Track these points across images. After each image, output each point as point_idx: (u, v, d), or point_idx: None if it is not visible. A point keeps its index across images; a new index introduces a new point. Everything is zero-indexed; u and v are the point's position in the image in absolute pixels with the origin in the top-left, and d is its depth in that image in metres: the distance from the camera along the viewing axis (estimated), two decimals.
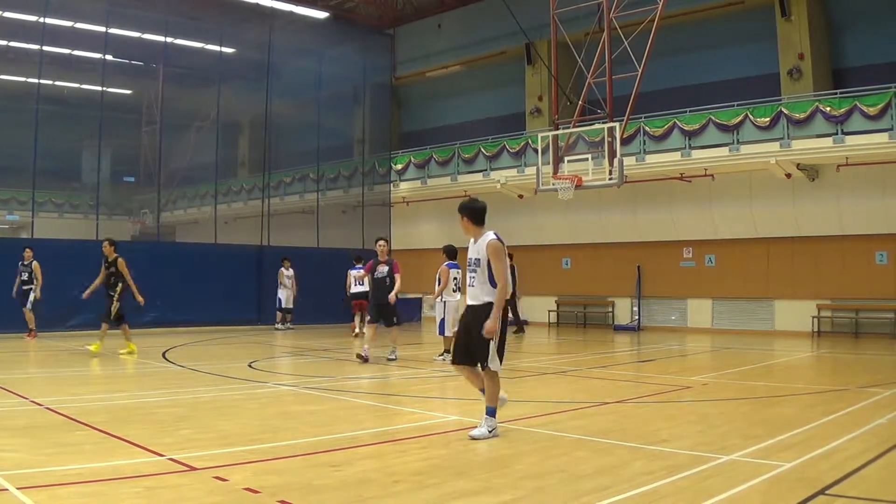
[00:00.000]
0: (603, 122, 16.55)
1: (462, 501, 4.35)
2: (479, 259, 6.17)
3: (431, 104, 28.77)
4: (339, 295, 18.09)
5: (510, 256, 21.97)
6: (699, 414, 7.52)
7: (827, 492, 4.44)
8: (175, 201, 28.18)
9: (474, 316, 6.09)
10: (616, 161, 15.96)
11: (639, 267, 21.63)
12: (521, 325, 19.65)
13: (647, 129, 19.55)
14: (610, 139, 16.07)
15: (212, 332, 18.70)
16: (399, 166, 25.55)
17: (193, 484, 4.62)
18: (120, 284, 12.29)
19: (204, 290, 19.61)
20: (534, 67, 24.17)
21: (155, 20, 21.24)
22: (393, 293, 11.92)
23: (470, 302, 6.24)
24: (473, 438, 5.95)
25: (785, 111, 17.54)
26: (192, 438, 6.02)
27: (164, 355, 12.82)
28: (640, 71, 15.85)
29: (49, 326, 16.37)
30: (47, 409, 7.19)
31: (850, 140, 16.65)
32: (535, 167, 18.12)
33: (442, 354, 12.04)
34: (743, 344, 16.49)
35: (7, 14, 20.57)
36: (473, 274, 6.20)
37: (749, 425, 6.78)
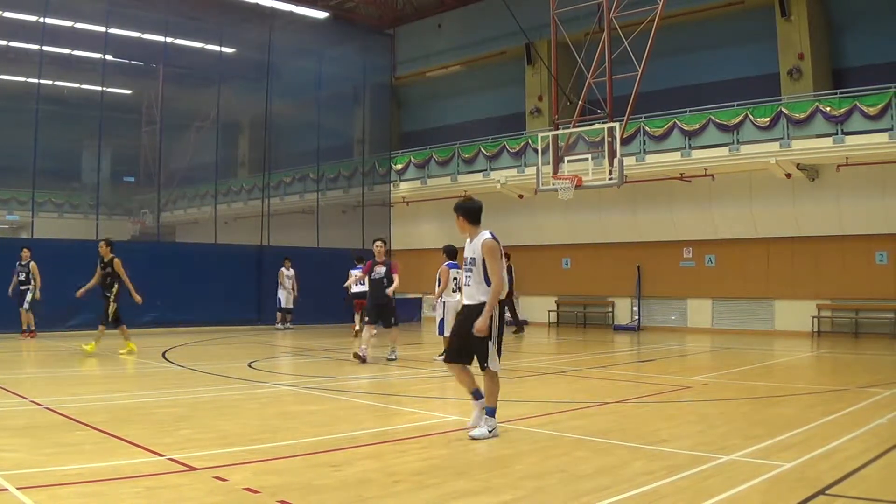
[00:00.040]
0: (603, 122, 16.55)
1: (462, 501, 4.34)
2: (474, 258, 6.18)
3: (431, 104, 28.78)
4: (339, 295, 18.10)
5: (507, 256, 21.96)
6: (699, 414, 7.52)
7: (827, 492, 4.44)
8: (175, 201, 28.18)
9: (470, 315, 6.08)
10: (616, 161, 15.96)
11: (639, 267, 21.63)
12: (520, 325, 19.64)
13: (647, 129, 19.55)
14: (610, 139, 16.07)
15: (212, 332, 18.70)
16: (399, 166, 25.55)
17: (193, 484, 4.62)
18: (116, 285, 12.26)
19: (204, 290, 19.61)
20: (534, 67, 24.17)
21: (155, 20, 21.24)
22: (391, 289, 11.91)
23: (466, 301, 6.24)
24: (473, 438, 5.96)
25: (785, 111, 17.54)
26: (192, 438, 6.02)
27: (164, 355, 12.82)
28: (640, 71, 15.85)
29: (49, 326, 16.38)
30: (47, 409, 7.19)
31: (850, 140, 16.65)
32: (535, 167, 18.12)
33: (442, 354, 12.02)
34: (743, 344, 16.49)
35: (7, 14, 20.57)
36: (469, 273, 6.21)
37: (749, 425, 6.77)
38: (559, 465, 5.19)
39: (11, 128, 20.52)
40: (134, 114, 25.99)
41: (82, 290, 12.52)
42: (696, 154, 18.86)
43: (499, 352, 6.12)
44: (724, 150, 18.41)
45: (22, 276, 15.53)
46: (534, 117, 24.20)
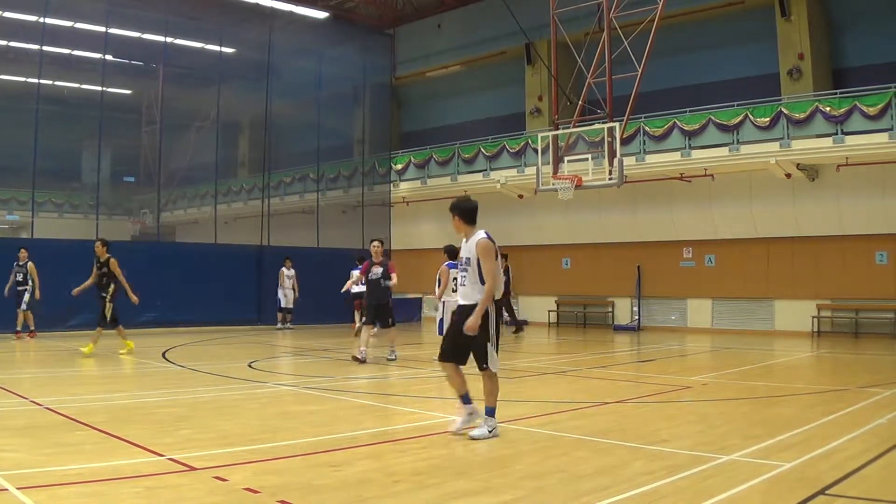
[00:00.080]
0: (603, 122, 16.55)
1: (462, 501, 4.35)
2: (469, 258, 6.18)
3: (431, 104, 28.78)
4: (339, 295, 18.10)
5: (504, 257, 21.92)
6: (699, 414, 7.52)
7: (827, 492, 4.44)
8: (175, 201, 28.18)
9: (466, 315, 6.06)
10: (616, 161, 15.96)
11: (639, 267, 21.63)
12: (519, 325, 19.65)
13: (646, 129, 19.55)
14: (610, 139, 16.06)
15: (212, 332, 18.70)
16: (399, 166, 25.55)
17: (193, 484, 4.62)
18: (112, 285, 12.24)
19: (204, 290, 19.62)
20: (534, 67, 24.17)
21: (155, 20, 21.24)
22: (391, 281, 11.92)
23: (461, 301, 6.23)
24: (473, 439, 5.95)
25: (785, 111, 17.54)
26: (192, 438, 6.02)
27: (164, 355, 12.82)
28: (640, 71, 15.84)
29: (49, 326, 16.37)
30: (47, 409, 7.19)
31: (850, 140, 16.65)
32: (535, 167, 18.12)
33: None
34: (743, 344, 16.49)
35: (7, 14, 20.57)
36: (465, 273, 6.20)
37: (749, 425, 6.78)
38: (559, 465, 5.19)
39: (11, 128, 20.51)
40: (134, 114, 25.98)
41: (79, 288, 12.53)
42: (696, 154, 18.86)
43: (495, 351, 6.13)
44: (724, 150, 18.41)
45: (19, 277, 15.45)
46: (534, 117, 24.20)
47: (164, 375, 10.46)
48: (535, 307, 23.64)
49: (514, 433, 6.30)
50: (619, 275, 21.89)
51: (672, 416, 7.41)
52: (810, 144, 17.19)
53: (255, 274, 21.32)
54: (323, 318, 21.08)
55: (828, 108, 16.94)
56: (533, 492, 4.54)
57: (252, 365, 11.60)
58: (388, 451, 5.69)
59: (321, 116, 24.90)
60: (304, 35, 23.91)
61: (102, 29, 19.97)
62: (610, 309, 22.45)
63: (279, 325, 20.54)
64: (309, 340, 16.99)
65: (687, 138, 18.98)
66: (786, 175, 18.18)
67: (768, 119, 17.67)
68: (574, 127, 17.17)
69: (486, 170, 22.95)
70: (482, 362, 6.08)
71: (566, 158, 16.99)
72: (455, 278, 11.98)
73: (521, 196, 22.79)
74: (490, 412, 6.13)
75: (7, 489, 4.32)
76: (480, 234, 6.21)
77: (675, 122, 19.18)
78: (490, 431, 6.04)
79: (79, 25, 20.73)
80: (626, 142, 18.02)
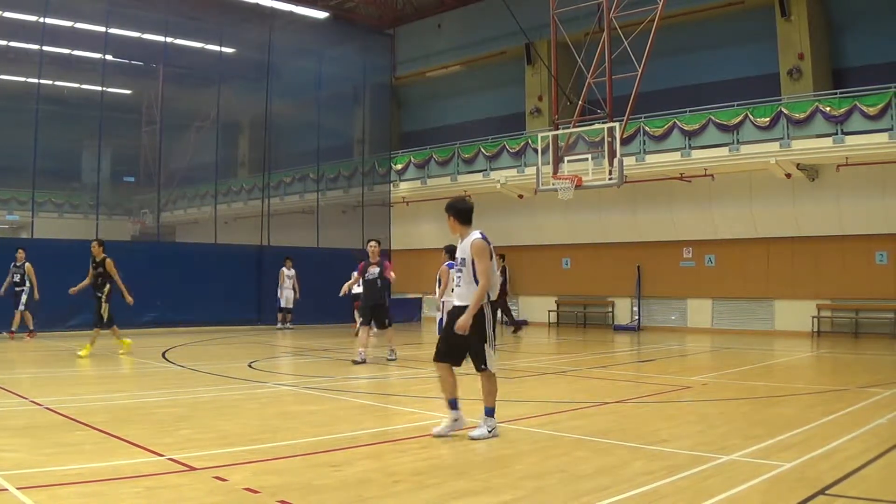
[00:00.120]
0: (603, 122, 16.55)
1: (462, 501, 4.35)
2: (464, 259, 6.18)
3: (431, 104, 28.78)
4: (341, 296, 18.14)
5: (502, 257, 21.91)
6: (699, 414, 7.52)
7: (827, 492, 4.44)
8: (175, 201, 28.18)
9: (460, 316, 6.06)
10: (616, 161, 15.96)
11: (639, 267, 21.63)
12: (517, 326, 19.73)
13: (646, 129, 19.55)
14: (610, 139, 16.06)
15: (212, 332, 18.70)
16: (399, 166, 25.56)
17: (193, 484, 4.62)
18: (108, 285, 12.24)
19: (204, 290, 19.62)
20: (534, 67, 24.17)
21: (155, 20, 21.24)
22: (389, 273, 11.90)
23: (456, 302, 6.21)
24: (473, 439, 5.96)
25: (785, 111, 17.53)
26: (192, 438, 6.02)
27: (164, 355, 12.82)
28: (640, 71, 15.84)
29: (48, 326, 16.37)
30: (47, 409, 7.19)
31: (850, 140, 16.65)
32: (535, 167, 18.12)
33: None
34: (743, 344, 16.49)
35: (7, 14, 20.56)
36: (460, 274, 6.20)
37: (749, 425, 6.78)
38: (559, 465, 5.19)
39: (11, 128, 20.51)
40: (134, 114, 25.98)
41: (75, 288, 12.54)
42: (696, 154, 18.86)
43: (494, 352, 6.12)
44: (724, 150, 18.41)
45: (16, 278, 15.39)
46: (534, 117, 24.20)
47: (164, 375, 10.46)
48: (535, 307, 23.64)
49: (514, 433, 6.30)
50: (619, 275, 21.89)
51: (672, 416, 7.41)
52: (810, 144, 17.19)
53: (255, 274, 21.32)
54: (323, 318, 21.08)
55: (828, 108, 16.94)
56: (533, 492, 4.54)
57: (252, 365, 11.60)
58: (388, 451, 5.69)
59: (321, 116, 24.90)
60: (304, 35, 23.91)
61: (102, 29, 19.97)
62: (610, 309, 22.45)
63: (279, 325, 20.55)
64: (309, 340, 16.99)
65: (687, 138, 18.98)
66: (786, 175, 18.18)
67: (768, 119, 17.67)
68: (574, 127, 17.17)
69: (486, 170, 22.95)
70: (480, 363, 6.08)
71: (566, 158, 17.00)
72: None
73: (521, 196, 22.79)
74: (489, 412, 6.13)
75: (7, 489, 4.32)
76: (475, 234, 6.21)
77: (675, 122, 19.18)
78: (490, 431, 6.04)
79: (79, 25, 20.72)
80: (626, 142, 18.02)
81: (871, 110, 16.34)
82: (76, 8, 20.14)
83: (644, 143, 19.60)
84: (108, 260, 12.27)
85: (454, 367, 6.23)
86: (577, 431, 6.38)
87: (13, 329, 15.41)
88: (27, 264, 15.45)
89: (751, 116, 17.95)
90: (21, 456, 5.23)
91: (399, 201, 25.64)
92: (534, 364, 12.52)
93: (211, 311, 19.62)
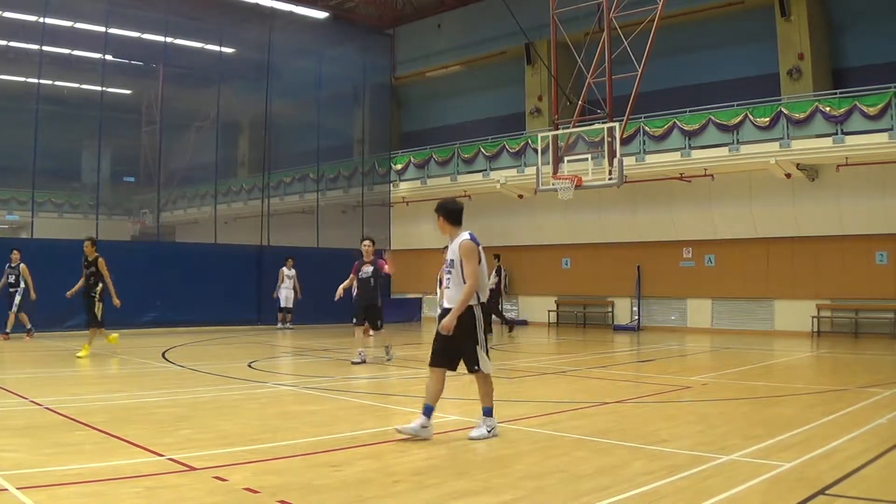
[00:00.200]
0: (603, 122, 16.55)
1: (462, 501, 4.35)
2: (453, 260, 6.15)
3: (431, 104, 28.78)
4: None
5: (497, 257, 21.80)
6: (699, 414, 7.52)
7: (827, 492, 4.44)
8: (175, 201, 28.19)
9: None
10: (616, 161, 15.96)
11: (638, 267, 21.63)
12: (510, 325, 19.83)
13: (646, 129, 19.55)
14: (610, 139, 16.06)
15: (212, 332, 18.70)
16: (399, 166, 25.56)
17: (193, 484, 4.62)
18: (100, 284, 12.22)
19: (204, 290, 19.62)
20: (534, 67, 24.17)
21: (155, 20, 21.24)
22: (388, 268, 11.87)
23: (446, 304, 6.17)
24: (472, 439, 5.95)
25: (785, 111, 17.54)
26: (192, 438, 6.02)
27: (164, 355, 12.82)
28: (640, 71, 15.84)
29: (47, 326, 16.36)
30: (47, 409, 7.19)
31: (850, 140, 16.65)
32: (534, 167, 18.12)
33: None
34: (743, 344, 16.49)
35: (7, 14, 20.56)
36: (449, 275, 6.16)
37: (749, 425, 6.77)
38: (559, 465, 5.19)
39: (11, 128, 20.51)
40: (134, 114, 25.98)
41: (71, 291, 12.55)
42: (695, 154, 18.86)
43: (487, 353, 6.10)
44: (723, 150, 18.41)
45: (11, 279, 15.34)
46: (534, 117, 24.20)
47: (164, 375, 10.46)
48: (535, 307, 23.65)
49: (514, 433, 6.30)
50: (619, 275, 21.89)
51: (672, 416, 7.41)
52: (810, 144, 17.19)
53: (255, 274, 21.32)
54: (323, 318, 21.07)
55: (828, 108, 16.94)
56: (533, 492, 4.54)
57: (252, 365, 11.60)
58: (388, 451, 5.69)
59: (321, 116, 24.91)
60: (304, 35, 23.91)
61: (102, 29, 19.97)
62: (610, 309, 22.45)
63: (279, 325, 20.55)
64: (309, 340, 16.99)
65: (687, 138, 18.98)
66: (786, 175, 18.18)
67: (768, 119, 17.67)
68: (574, 127, 17.17)
69: (485, 170, 22.95)
70: (473, 365, 6.07)
71: (566, 158, 17.00)
72: None
73: (521, 196, 22.79)
74: (487, 412, 6.13)
75: (7, 489, 4.32)
76: (464, 235, 6.18)
77: (675, 122, 19.18)
78: (489, 431, 6.04)
79: (79, 25, 20.72)
80: (625, 142, 18.02)
81: (871, 110, 16.34)
82: (76, 8, 20.14)
83: (644, 143, 19.61)
84: (100, 259, 12.24)
85: (449, 372, 6.19)
86: (577, 431, 6.38)
87: (7, 330, 15.37)
88: (22, 265, 15.36)
89: (751, 116, 17.95)
90: (21, 456, 5.23)
91: (399, 201, 25.65)
92: (534, 364, 12.52)
93: (211, 311, 19.63)
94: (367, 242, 12.08)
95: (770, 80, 19.42)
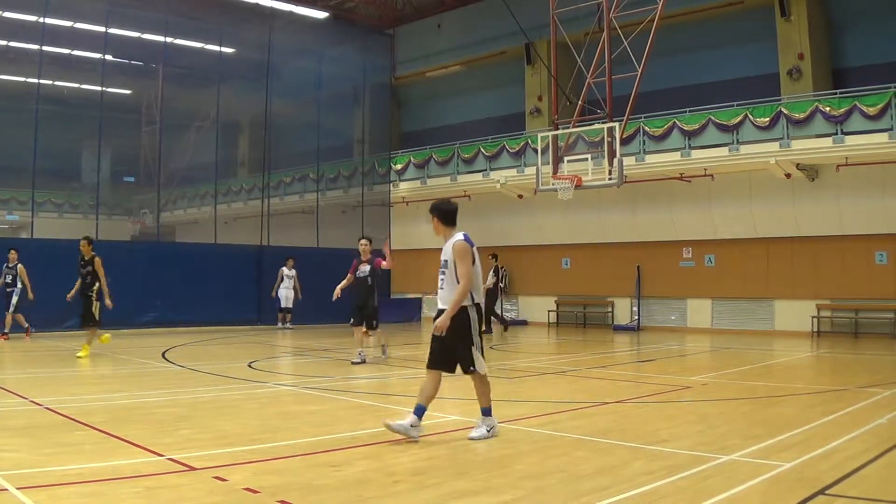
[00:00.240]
0: (603, 122, 16.55)
1: (462, 501, 4.35)
2: (446, 261, 6.14)
3: (431, 104, 28.78)
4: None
5: (494, 257, 21.78)
6: (699, 414, 7.52)
7: (827, 492, 4.44)
8: (175, 201, 28.19)
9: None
10: (616, 161, 15.96)
11: (638, 267, 21.62)
12: (505, 325, 19.87)
13: (646, 129, 19.55)
14: (609, 139, 16.06)
15: (212, 332, 18.70)
16: (399, 166, 25.56)
17: (193, 484, 4.63)
18: (97, 284, 12.22)
19: (204, 290, 19.62)
20: (533, 67, 24.17)
21: (155, 20, 21.24)
22: (387, 263, 11.87)
23: (441, 306, 6.15)
24: (472, 439, 5.96)
25: (785, 111, 17.54)
26: (192, 438, 6.02)
27: (163, 355, 12.82)
28: (640, 71, 15.84)
29: (47, 326, 16.37)
30: (47, 409, 7.19)
31: (850, 140, 16.65)
32: (534, 167, 18.12)
33: None
34: (742, 344, 16.49)
35: (7, 14, 20.56)
36: (443, 276, 6.15)
37: (749, 425, 6.78)
38: (559, 465, 5.19)
39: (11, 128, 20.51)
40: (134, 114, 25.98)
41: (71, 293, 12.53)
42: (695, 154, 18.86)
43: (480, 353, 6.09)
44: (723, 150, 18.41)
45: (8, 279, 15.32)
46: (534, 117, 24.20)
47: (164, 375, 10.46)
48: (535, 307, 23.64)
49: (514, 433, 6.30)
50: (619, 275, 21.89)
51: (672, 416, 7.41)
52: (810, 144, 17.19)
53: (255, 274, 21.33)
54: (323, 318, 21.07)
55: (828, 108, 16.94)
56: (533, 492, 4.54)
57: (252, 365, 11.60)
58: (388, 451, 5.69)
59: (321, 116, 24.91)
60: (304, 35, 23.91)
61: (102, 29, 19.97)
62: (610, 309, 22.45)
63: (279, 325, 20.56)
64: (309, 340, 17.00)
65: (687, 138, 18.98)
66: (785, 175, 18.18)
67: (768, 119, 17.67)
68: (574, 127, 17.17)
69: (485, 170, 22.95)
70: (468, 365, 6.06)
71: (566, 158, 17.00)
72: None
73: (520, 196, 22.79)
74: (486, 412, 6.13)
75: (7, 489, 4.33)
76: (458, 236, 6.16)
77: (674, 122, 19.18)
78: (489, 431, 6.04)
79: (79, 25, 20.72)
80: (625, 142, 18.02)
81: (871, 110, 16.34)
82: (76, 8, 20.14)
83: (644, 143, 19.61)
84: (96, 258, 12.22)
85: (447, 374, 6.18)
86: (577, 431, 6.38)
87: (6, 331, 15.37)
88: (20, 265, 15.36)
89: (750, 116, 17.95)
90: (21, 456, 5.23)
91: (399, 201, 25.64)
92: (534, 364, 12.52)
93: (211, 311, 19.63)
94: (363, 241, 12.06)
95: (770, 80, 19.42)
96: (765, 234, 19.44)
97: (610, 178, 16.08)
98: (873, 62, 18.71)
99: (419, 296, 24.69)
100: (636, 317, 21.60)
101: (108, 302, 12.26)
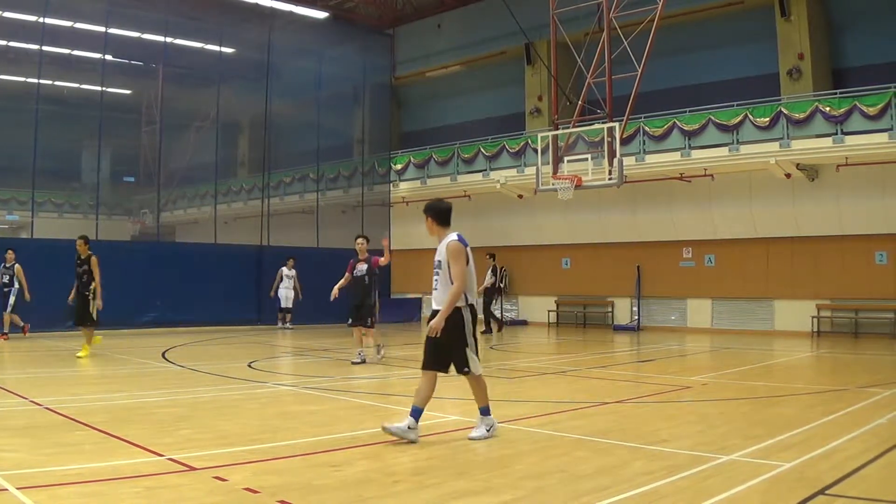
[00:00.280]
0: (603, 122, 16.55)
1: (462, 501, 4.35)
2: (440, 261, 6.13)
3: (431, 104, 28.78)
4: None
5: (492, 256, 21.76)
6: (699, 414, 7.52)
7: (827, 492, 4.44)
8: (175, 201, 28.18)
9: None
10: (616, 161, 15.96)
11: (638, 267, 21.62)
12: (499, 324, 19.85)
13: (646, 129, 19.55)
14: (609, 139, 16.06)
15: (212, 332, 18.70)
16: (399, 166, 25.56)
17: (193, 484, 4.62)
18: (94, 283, 12.20)
19: (204, 290, 19.62)
20: (533, 67, 24.17)
21: (155, 20, 21.24)
22: (384, 259, 11.84)
23: (435, 306, 6.14)
24: (472, 439, 5.95)
25: (785, 111, 17.54)
26: (192, 438, 6.02)
27: (163, 355, 12.82)
28: (640, 71, 15.84)
29: (47, 326, 16.36)
30: (47, 409, 7.19)
31: (850, 140, 16.65)
32: (534, 167, 18.12)
33: None
34: (742, 344, 16.49)
35: (7, 14, 20.56)
36: (437, 277, 6.13)
37: (749, 425, 6.78)
38: (559, 465, 5.19)
39: (11, 128, 20.51)
40: (134, 114, 25.97)
41: (72, 296, 12.52)
42: (695, 154, 18.86)
43: (475, 354, 6.08)
44: (723, 150, 18.41)
45: (6, 279, 15.30)
46: (533, 117, 24.20)
47: (164, 375, 10.46)
48: (535, 307, 23.64)
49: (514, 433, 6.30)
50: (619, 275, 21.89)
51: (672, 416, 7.41)
52: (810, 144, 17.19)
53: (255, 274, 21.33)
54: (323, 318, 21.05)
55: (828, 108, 16.94)
56: (533, 492, 4.54)
57: (252, 365, 11.60)
58: (388, 451, 5.69)
59: (321, 116, 24.91)
60: (304, 35, 23.91)
61: (102, 29, 19.97)
62: (610, 309, 22.45)
63: (279, 325, 20.56)
64: (309, 340, 17.00)
65: (687, 138, 18.98)
66: (785, 175, 18.19)
67: (768, 119, 17.67)
68: (574, 127, 17.17)
69: (485, 170, 22.95)
70: (462, 366, 6.04)
71: (566, 158, 16.99)
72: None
73: (520, 196, 22.79)
74: (484, 412, 6.13)
75: (7, 489, 4.32)
76: (452, 236, 6.16)
77: (674, 122, 19.18)
78: (488, 430, 6.04)
79: (79, 25, 20.72)
80: (625, 142, 18.01)
81: (871, 110, 16.34)
82: (76, 8, 20.14)
83: (644, 143, 19.60)
84: (93, 258, 12.19)
85: (441, 374, 6.16)
86: (577, 431, 6.38)
87: (5, 331, 15.37)
88: (17, 265, 15.34)
89: (750, 116, 17.95)
90: (21, 456, 5.23)
91: (399, 201, 25.64)
92: (534, 364, 12.52)
93: (211, 311, 19.63)
94: (360, 240, 12.04)
95: (770, 80, 19.42)
96: (765, 234, 19.45)
97: (610, 178, 16.08)
98: (873, 62, 18.71)
99: (419, 296, 24.70)
100: (636, 317, 21.60)
101: (98, 302, 12.18)
